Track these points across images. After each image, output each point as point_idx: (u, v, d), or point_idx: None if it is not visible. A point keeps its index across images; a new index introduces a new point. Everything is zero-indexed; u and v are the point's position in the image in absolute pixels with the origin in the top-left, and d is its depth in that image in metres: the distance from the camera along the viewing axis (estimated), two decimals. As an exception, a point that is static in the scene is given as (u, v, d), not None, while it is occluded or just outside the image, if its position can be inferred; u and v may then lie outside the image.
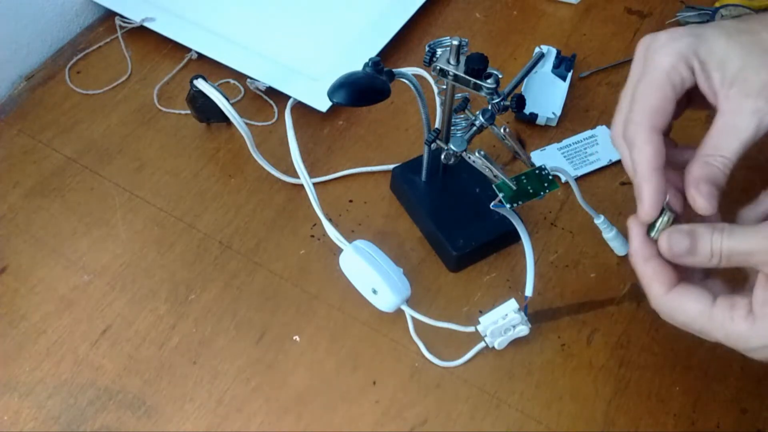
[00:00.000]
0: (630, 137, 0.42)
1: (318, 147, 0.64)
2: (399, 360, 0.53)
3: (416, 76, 0.55)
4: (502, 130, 0.48)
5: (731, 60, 0.40)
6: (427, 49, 0.47)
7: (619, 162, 0.62)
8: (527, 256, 0.49)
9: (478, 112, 0.48)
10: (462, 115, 0.51)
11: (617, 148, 0.44)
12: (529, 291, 0.50)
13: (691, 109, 0.46)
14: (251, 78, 0.67)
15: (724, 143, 0.40)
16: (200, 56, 0.70)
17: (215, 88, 0.59)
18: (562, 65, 0.68)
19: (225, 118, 0.60)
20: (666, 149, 0.42)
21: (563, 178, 0.58)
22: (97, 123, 0.66)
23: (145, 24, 0.71)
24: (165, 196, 0.61)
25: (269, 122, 0.66)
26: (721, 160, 0.40)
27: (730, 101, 0.40)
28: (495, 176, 0.47)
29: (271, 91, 0.67)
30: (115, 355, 0.53)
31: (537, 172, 0.48)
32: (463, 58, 0.46)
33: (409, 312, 0.53)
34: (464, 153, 0.48)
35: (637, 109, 0.42)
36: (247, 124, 0.60)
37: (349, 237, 0.55)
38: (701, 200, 0.40)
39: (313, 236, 0.59)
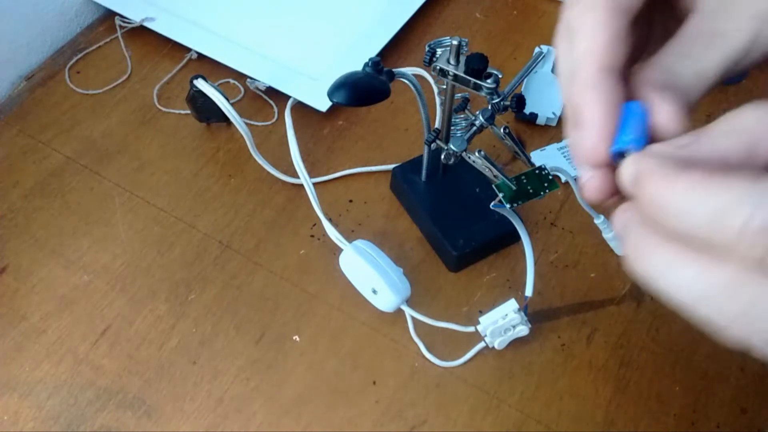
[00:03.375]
0: (574, 24, 0.27)
1: (318, 147, 0.64)
2: (399, 360, 0.53)
3: (416, 76, 0.55)
4: (502, 130, 0.48)
5: None
6: (427, 49, 0.47)
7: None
8: (527, 256, 0.49)
9: (478, 112, 0.48)
10: (462, 115, 0.51)
11: (558, 68, 0.28)
12: (529, 291, 0.50)
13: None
14: (251, 78, 0.67)
15: (699, 52, 0.27)
16: (200, 56, 0.70)
17: (215, 88, 0.59)
18: (562, 65, 0.68)
19: (225, 118, 0.60)
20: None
21: (563, 178, 0.58)
22: (97, 123, 0.66)
23: (145, 24, 0.71)
24: (165, 196, 0.61)
25: (269, 122, 0.66)
26: (692, 72, 0.26)
27: None
28: (495, 176, 0.47)
29: (271, 91, 0.67)
30: (115, 355, 0.53)
31: (537, 172, 0.48)
32: (463, 58, 0.46)
33: (409, 312, 0.53)
34: (464, 153, 0.48)
35: None
36: (247, 124, 0.60)
37: (349, 237, 0.55)
38: (669, 109, 0.25)
39: (313, 236, 0.59)
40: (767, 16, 0.26)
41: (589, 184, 0.27)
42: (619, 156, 0.26)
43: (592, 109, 0.26)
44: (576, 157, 0.26)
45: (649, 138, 0.26)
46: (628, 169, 0.24)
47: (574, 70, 0.27)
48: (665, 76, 0.26)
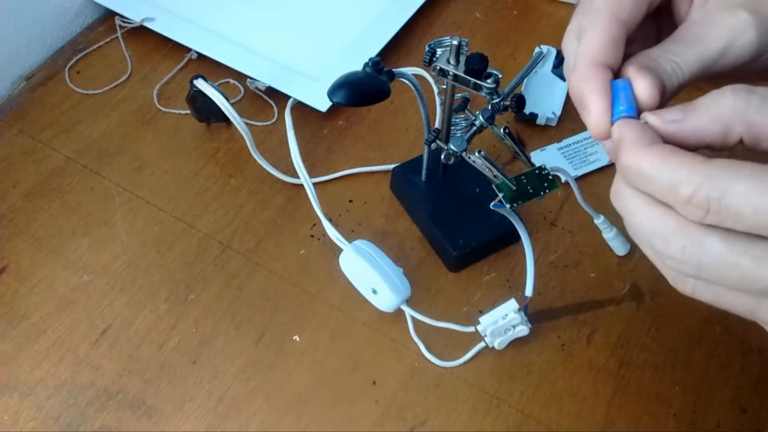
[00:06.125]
0: (582, 27, 0.34)
1: (318, 147, 0.64)
2: (399, 360, 0.53)
3: (416, 76, 0.55)
4: (502, 130, 0.48)
5: None
6: (427, 49, 0.47)
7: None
8: (527, 256, 0.49)
9: (478, 112, 0.48)
10: (462, 115, 0.51)
11: (567, 65, 0.35)
12: (529, 291, 0.50)
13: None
14: (251, 78, 0.67)
15: (680, 50, 0.33)
16: (200, 56, 0.70)
17: (215, 88, 0.59)
18: (562, 65, 0.68)
19: (225, 118, 0.60)
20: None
21: (563, 178, 0.58)
22: (97, 123, 0.66)
23: (145, 24, 0.71)
24: (165, 196, 0.61)
25: (269, 122, 0.66)
26: (672, 64, 0.33)
27: (703, 10, 0.34)
28: (495, 176, 0.47)
29: (271, 91, 0.67)
30: (115, 355, 0.53)
31: (537, 172, 0.47)
32: (463, 58, 0.46)
33: (409, 312, 0.53)
34: (464, 153, 0.48)
35: None
36: (247, 124, 0.60)
37: (349, 237, 0.55)
38: (643, 83, 0.32)
39: (313, 236, 0.59)
40: (738, 31, 0.32)
41: (610, 152, 0.33)
42: None
43: (589, 95, 0.33)
44: (590, 133, 0.33)
45: (637, 107, 0.32)
46: (614, 132, 0.31)
47: (576, 63, 0.34)
48: (648, 62, 0.33)
